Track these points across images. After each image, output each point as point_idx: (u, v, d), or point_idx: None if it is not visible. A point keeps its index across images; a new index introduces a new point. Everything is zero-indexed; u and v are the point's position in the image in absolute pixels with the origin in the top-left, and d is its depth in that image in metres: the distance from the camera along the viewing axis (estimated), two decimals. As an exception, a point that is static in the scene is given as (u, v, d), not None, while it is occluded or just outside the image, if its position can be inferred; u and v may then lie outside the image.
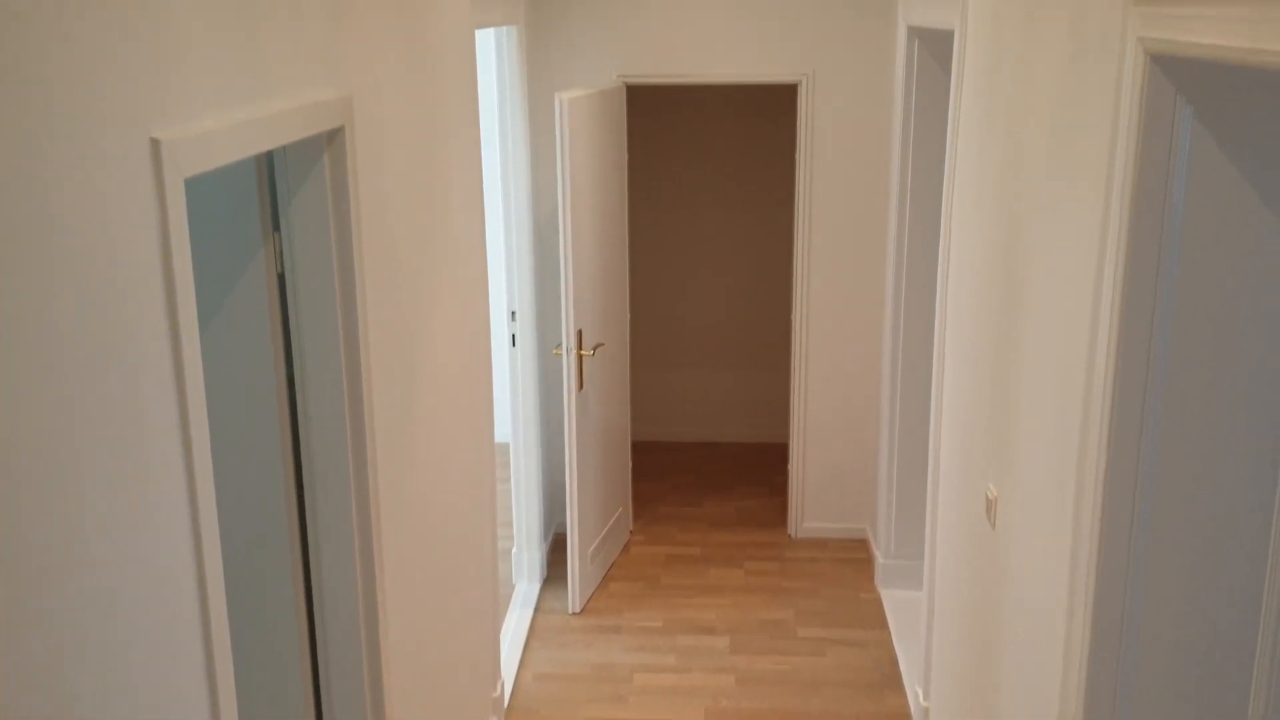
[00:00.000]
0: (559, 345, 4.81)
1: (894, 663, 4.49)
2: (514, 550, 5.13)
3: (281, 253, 2.29)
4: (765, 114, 6.37)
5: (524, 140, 4.83)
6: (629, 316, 5.62)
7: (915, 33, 4.35)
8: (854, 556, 5.39)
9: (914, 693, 4.12)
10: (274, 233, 2.28)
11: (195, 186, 2.21)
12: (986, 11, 3.08)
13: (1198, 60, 1.73)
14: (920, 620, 4.34)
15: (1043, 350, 2.51)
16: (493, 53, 4.71)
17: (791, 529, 5.57)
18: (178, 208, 1.52)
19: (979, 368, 3.11)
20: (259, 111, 1.83)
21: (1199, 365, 1.93)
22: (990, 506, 2.93)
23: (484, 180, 4.07)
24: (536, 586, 5.11)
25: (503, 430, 6.29)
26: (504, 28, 4.53)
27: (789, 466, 5.58)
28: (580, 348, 4.67)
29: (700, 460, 6.58)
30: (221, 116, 1.70)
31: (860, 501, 5.51)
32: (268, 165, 2.32)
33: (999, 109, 2.91)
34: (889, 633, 4.73)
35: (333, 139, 2.26)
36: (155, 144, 1.47)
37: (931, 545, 3.70)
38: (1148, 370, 1.96)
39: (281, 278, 2.32)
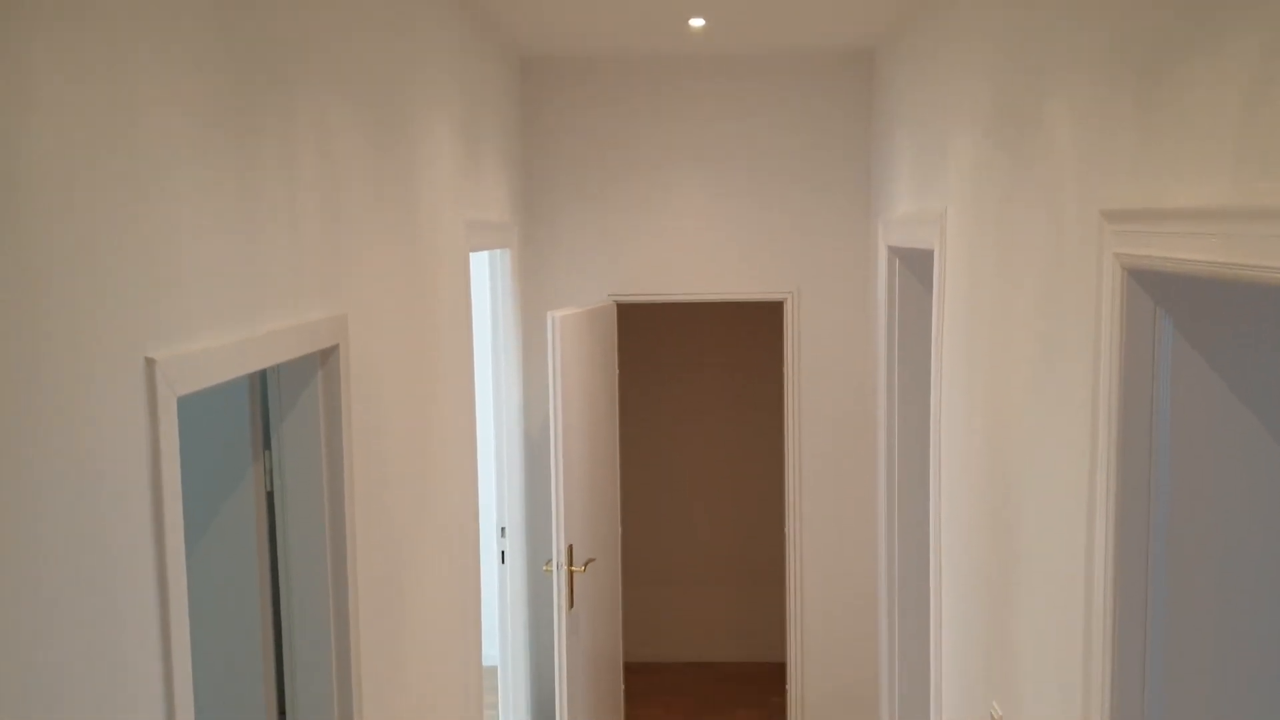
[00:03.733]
0: (549, 561, 4.74)
1: None
2: (502, 780, 4.90)
3: (271, 471, 2.28)
4: (753, 326, 6.50)
5: (516, 355, 4.90)
6: (620, 531, 5.56)
7: (896, 252, 4.49)
8: (857, 783, 5.16)
9: None
10: (265, 450, 2.28)
11: (187, 401, 2.22)
12: (963, 233, 3.18)
13: (1174, 274, 1.77)
14: None
15: (1040, 565, 2.47)
16: (486, 271, 4.84)
17: (791, 753, 5.35)
18: (169, 426, 1.52)
19: (976, 584, 3.06)
20: (254, 331, 1.86)
21: (1197, 575, 1.90)
22: (997, 727, 2.82)
23: (476, 395, 4.11)
24: (525, 819, 4.86)
25: (490, 652, 6.11)
26: (498, 250, 4.66)
27: (787, 687, 5.40)
28: (571, 564, 4.59)
29: (694, 681, 6.37)
30: (217, 336, 1.72)
31: (862, 723, 5.31)
32: (261, 381, 2.33)
33: (981, 325, 2.97)
34: None
35: (327, 357, 2.28)
36: (150, 363, 1.48)
37: (938, 769, 3.54)
38: (1147, 584, 1.93)
39: (270, 494, 2.30)
